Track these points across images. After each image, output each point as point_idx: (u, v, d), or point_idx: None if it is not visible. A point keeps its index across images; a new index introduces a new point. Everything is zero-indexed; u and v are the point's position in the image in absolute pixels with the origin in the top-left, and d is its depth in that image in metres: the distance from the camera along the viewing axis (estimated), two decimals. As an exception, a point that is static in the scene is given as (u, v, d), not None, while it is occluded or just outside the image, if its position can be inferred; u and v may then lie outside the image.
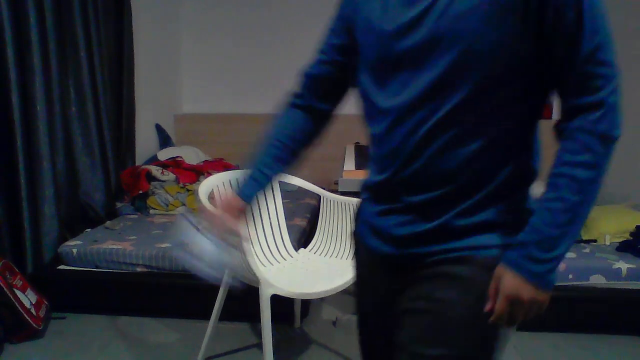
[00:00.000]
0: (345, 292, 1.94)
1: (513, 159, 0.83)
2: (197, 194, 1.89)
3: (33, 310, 2.26)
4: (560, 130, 0.80)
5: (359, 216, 1.04)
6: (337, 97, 1.06)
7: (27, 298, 2.27)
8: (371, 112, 0.91)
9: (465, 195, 0.84)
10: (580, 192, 0.76)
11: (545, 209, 0.77)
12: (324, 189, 2.22)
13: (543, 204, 0.78)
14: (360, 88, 0.95)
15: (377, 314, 1.02)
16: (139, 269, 2.45)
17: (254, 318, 2.31)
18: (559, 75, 0.77)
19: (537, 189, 0.87)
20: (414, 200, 0.87)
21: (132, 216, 3.11)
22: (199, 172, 3.51)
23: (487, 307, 0.82)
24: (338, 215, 2.13)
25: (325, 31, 1.04)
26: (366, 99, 0.92)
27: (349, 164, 2.49)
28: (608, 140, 0.81)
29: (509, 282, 0.78)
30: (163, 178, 3.27)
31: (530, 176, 0.87)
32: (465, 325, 0.84)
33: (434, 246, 0.87)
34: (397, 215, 0.90)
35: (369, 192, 0.98)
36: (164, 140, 4.02)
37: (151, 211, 3.19)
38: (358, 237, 1.05)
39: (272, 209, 2.21)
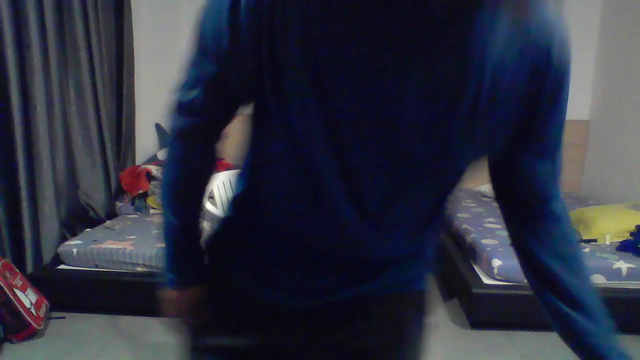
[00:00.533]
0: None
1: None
2: (197, 193, 1.89)
3: (33, 310, 2.26)
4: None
5: None
6: None
7: (27, 298, 2.27)
8: None
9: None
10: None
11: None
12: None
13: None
14: None
15: None
16: (139, 269, 2.45)
17: (254, 318, 2.31)
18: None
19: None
20: None
21: (132, 216, 3.11)
22: (199, 172, 3.51)
23: None
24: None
25: None
26: None
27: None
28: None
29: None
30: (163, 178, 3.27)
31: None
32: None
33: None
34: None
35: None
36: (164, 140, 4.01)
37: (151, 211, 3.19)
38: None
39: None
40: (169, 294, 0.87)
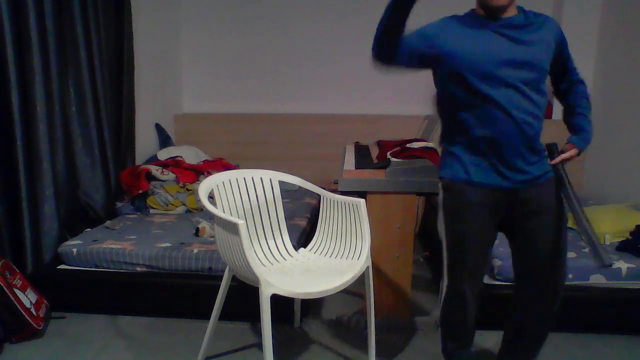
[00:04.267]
0: (345, 292, 1.94)
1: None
2: (197, 193, 1.89)
3: (33, 310, 2.26)
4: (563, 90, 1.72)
5: None
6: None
7: (27, 298, 2.27)
8: None
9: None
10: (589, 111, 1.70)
11: (585, 119, 1.66)
12: (324, 188, 2.22)
13: (583, 116, 1.66)
14: None
15: None
16: (138, 269, 2.45)
17: (254, 318, 2.31)
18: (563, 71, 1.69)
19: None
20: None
21: (132, 216, 3.11)
22: (199, 172, 3.51)
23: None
24: (338, 215, 2.13)
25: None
26: None
27: (349, 164, 2.48)
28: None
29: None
30: (163, 178, 3.27)
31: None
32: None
33: None
34: None
35: None
36: (164, 140, 4.02)
37: (151, 211, 3.19)
38: None
39: (272, 209, 2.21)
40: None
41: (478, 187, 1.57)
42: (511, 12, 1.51)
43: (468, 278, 1.66)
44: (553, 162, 1.57)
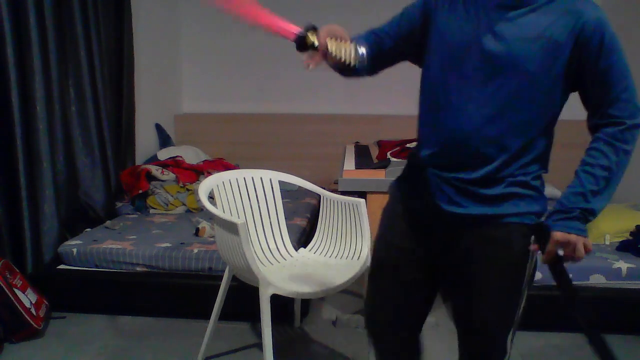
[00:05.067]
0: (345, 292, 1.94)
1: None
2: (197, 193, 1.89)
3: (33, 310, 2.26)
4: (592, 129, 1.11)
5: None
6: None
7: (27, 298, 2.27)
8: None
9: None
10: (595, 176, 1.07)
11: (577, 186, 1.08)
12: (324, 188, 2.22)
13: (579, 181, 1.08)
14: None
15: None
16: (138, 269, 2.45)
17: (254, 318, 2.31)
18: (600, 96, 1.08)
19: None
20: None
21: (132, 216, 3.11)
22: (199, 172, 3.51)
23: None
24: (338, 215, 2.13)
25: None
26: None
27: (349, 164, 2.49)
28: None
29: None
30: (163, 178, 3.27)
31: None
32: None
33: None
34: None
35: None
36: (164, 140, 4.02)
37: (151, 211, 3.19)
38: None
39: (272, 209, 2.20)
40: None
41: None
42: None
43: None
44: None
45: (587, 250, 1.08)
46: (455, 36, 1.10)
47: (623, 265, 2.28)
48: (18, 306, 2.19)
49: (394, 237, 1.25)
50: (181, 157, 3.65)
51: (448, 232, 1.16)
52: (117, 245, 2.50)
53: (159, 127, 4.02)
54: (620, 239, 2.54)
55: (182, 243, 2.54)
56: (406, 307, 1.29)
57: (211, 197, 1.98)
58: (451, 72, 1.10)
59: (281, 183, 2.23)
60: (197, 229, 2.69)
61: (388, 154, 2.43)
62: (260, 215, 2.17)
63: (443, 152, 1.12)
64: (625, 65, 1.06)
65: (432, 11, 1.16)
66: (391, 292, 1.28)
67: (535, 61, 1.03)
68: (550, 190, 3.46)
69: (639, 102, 1.06)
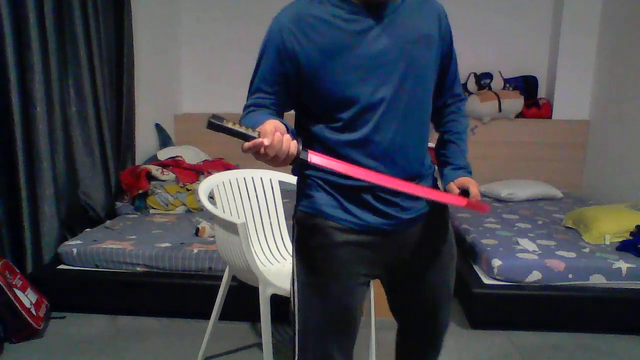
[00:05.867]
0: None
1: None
2: (197, 193, 1.89)
3: (33, 310, 2.26)
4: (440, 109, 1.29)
5: None
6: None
7: (27, 298, 2.27)
8: None
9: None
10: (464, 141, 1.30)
11: (461, 152, 1.29)
12: (324, 188, 2.21)
13: (460, 148, 1.29)
14: None
15: None
16: (138, 269, 2.45)
17: (254, 318, 2.31)
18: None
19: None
20: None
21: (132, 216, 3.11)
22: (198, 172, 3.51)
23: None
24: (338, 215, 2.12)
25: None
26: None
27: (349, 164, 2.48)
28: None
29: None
30: (163, 178, 3.27)
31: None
32: None
33: None
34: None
35: None
36: (164, 140, 4.01)
37: (151, 211, 3.19)
38: None
39: (272, 209, 2.20)
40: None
41: None
42: None
43: None
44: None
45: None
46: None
47: (623, 265, 2.28)
48: (18, 306, 2.19)
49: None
50: (181, 157, 3.65)
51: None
52: (117, 245, 2.50)
53: (159, 127, 4.02)
54: (620, 239, 2.53)
55: (182, 243, 2.54)
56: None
57: (211, 197, 1.98)
58: None
59: (281, 183, 2.23)
60: (197, 229, 2.69)
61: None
62: (260, 215, 2.17)
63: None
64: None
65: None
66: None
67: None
68: (550, 190, 3.47)
69: None
